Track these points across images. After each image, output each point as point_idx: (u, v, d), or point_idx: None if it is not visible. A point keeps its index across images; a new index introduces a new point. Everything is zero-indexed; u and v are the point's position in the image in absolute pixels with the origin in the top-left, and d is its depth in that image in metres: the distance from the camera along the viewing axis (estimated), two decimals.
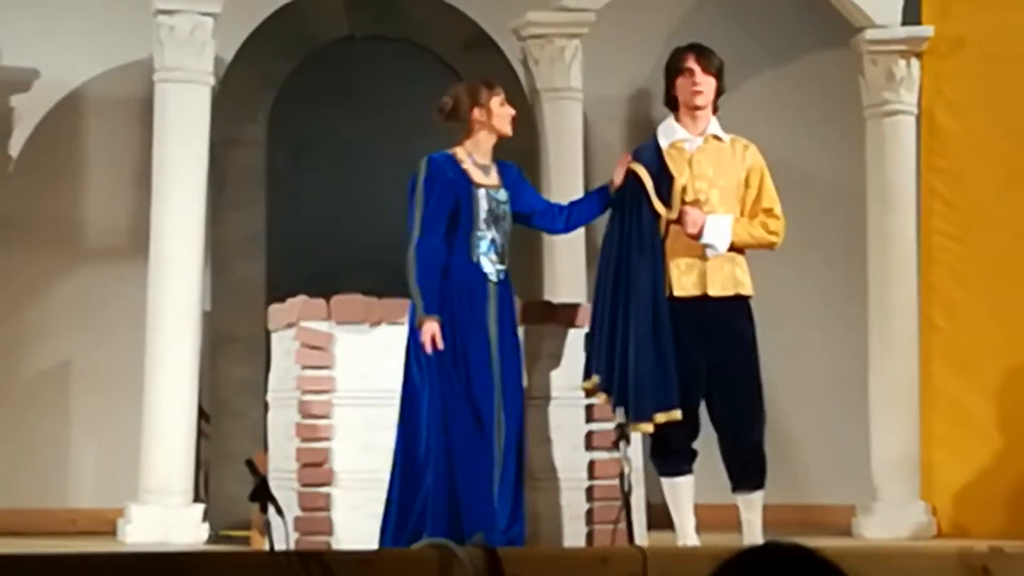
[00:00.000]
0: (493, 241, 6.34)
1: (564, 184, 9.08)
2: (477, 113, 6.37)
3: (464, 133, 6.42)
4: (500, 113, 6.39)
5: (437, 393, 6.16)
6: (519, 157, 9.06)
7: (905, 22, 8.82)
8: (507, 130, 6.42)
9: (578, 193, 9.07)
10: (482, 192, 6.35)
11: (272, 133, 8.85)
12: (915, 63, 8.77)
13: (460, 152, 6.41)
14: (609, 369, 6.41)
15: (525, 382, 6.51)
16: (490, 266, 6.33)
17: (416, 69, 9.05)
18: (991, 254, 8.50)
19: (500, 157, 9.05)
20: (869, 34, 8.82)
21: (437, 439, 6.16)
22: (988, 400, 8.41)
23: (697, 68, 6.53)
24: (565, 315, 6.94)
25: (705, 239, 6.43)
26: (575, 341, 6.88)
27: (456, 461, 6.14)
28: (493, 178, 6.43)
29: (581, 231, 8.95)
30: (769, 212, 6.56)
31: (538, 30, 9.14)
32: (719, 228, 6.44)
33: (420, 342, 6.15)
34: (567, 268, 8.84)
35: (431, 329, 6.14)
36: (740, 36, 9.36)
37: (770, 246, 6.61)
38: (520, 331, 6.51)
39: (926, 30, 8.76)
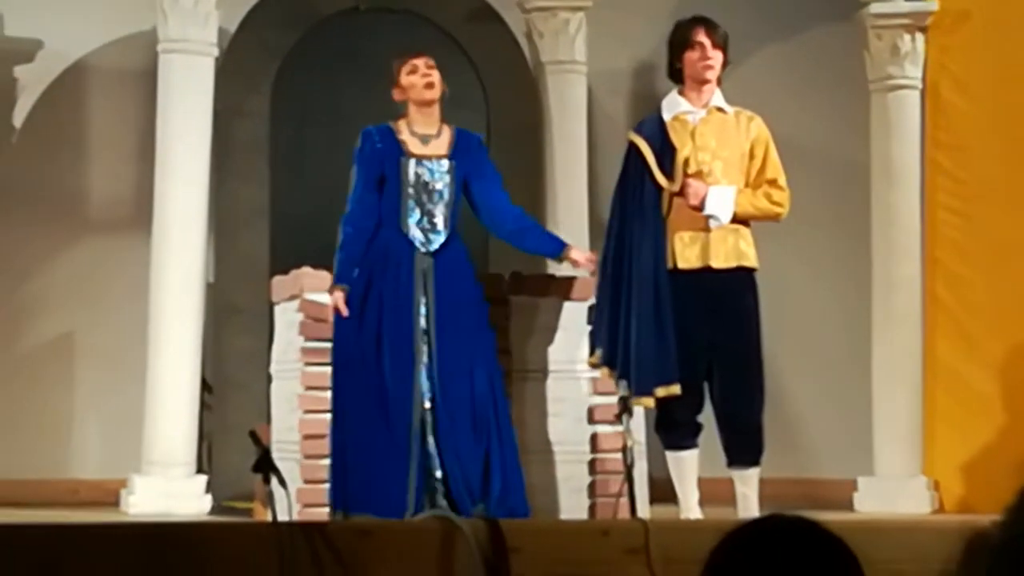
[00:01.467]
0: (427, 211, 6.34)
1: (568, 157, 9.06)
2: (396, 93, 6.45)
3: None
4: (409, 83, 6.42)
5: (355, 364, 6.19)
6: (523, 130, 9.07)
7: None
8: (422, 97, 6.42)
9: (582, 166, 9.07)
10: (412, 162, 6.36)
11: (276, 104, 8.83)
12: (920, 37, 8.74)
13: (400, 123, 6.45)
14: (612, 343, 6.41)
15: (512, 354, 6.54)
16: (421, 235, 6.34)
17: (420, 41, 8.99)
18: (996, 229, 8.48)
19: (506, 130, 9.08)
20: (874, 8, 8.79)
21: (342, 413, 6.19)
22: (991, 375, 8.40)
23: (707, 42, 6.52)
24: (560, 288, 6.93)
25: (708, 210, 6.42)
26: (576, 315, 6.87)
27: (354, 435, 6.18)
28: (437, 148, 6.43)
29: (584, 205, 8.94)
30: (773, 183, 6.56)
31: (542, 3, 9.11)
32: (722, 199, 6.43)
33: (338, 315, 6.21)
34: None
35: (336, 299, 6.25)
36: (744, 10, 9.33)
37: (775, 217, 6.60)
38: (495, 303, 6.50)
39: (931, 4, 8.72)
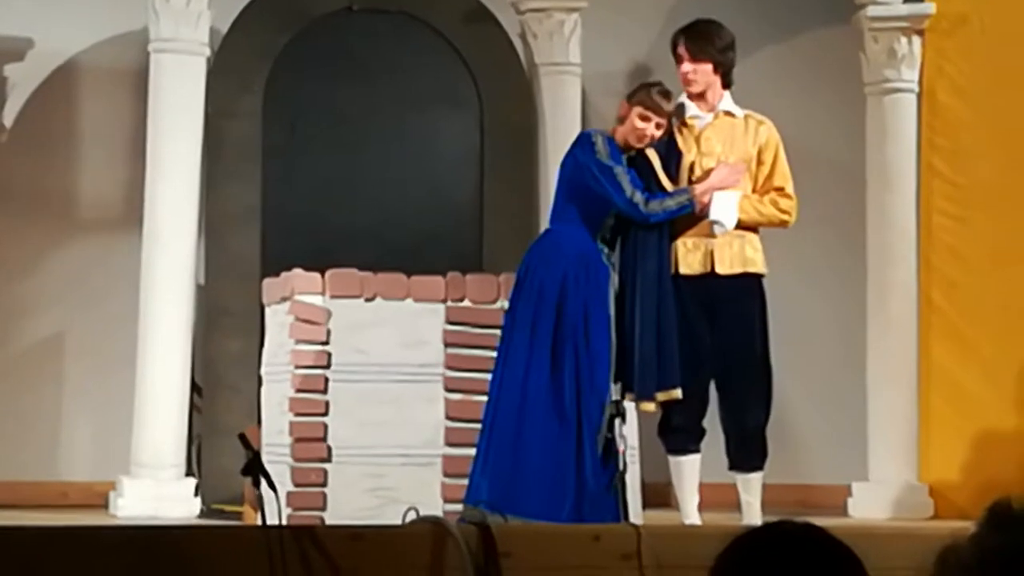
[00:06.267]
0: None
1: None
2: (623, 109, 6.38)
3: (617, 122, 6.44)
4: (640, 131, 6.34)
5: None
6: (517, 132, 9.03)
7: None
8: (633, 143, 6.37)
9: None
10: None
11: (268, 105, 8.78)
12: (916, 40, 8.71)
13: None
14: (618, 347, 6.40)
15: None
16: (606, 249, 6.37)
17: (414, 42, 8.98)
18: (991, 233, 8.46)
19: (500, 131, 9.04)
20: (871, 11, 8.76)
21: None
22: (987, 380, 8.37)
23: (685, 56, 6.47)
24: None
25: (712, 215, 6.35)
26: None
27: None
28: None
29: None
30: (780, 191, 6.50)
31: (537, 4, 9.07)
32: (726, 205, 6.36)
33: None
34: None
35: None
36: (740, 12, 9.27)
37: (781, 224, 6.54)
38: None
39: (928, 7, 8.70)
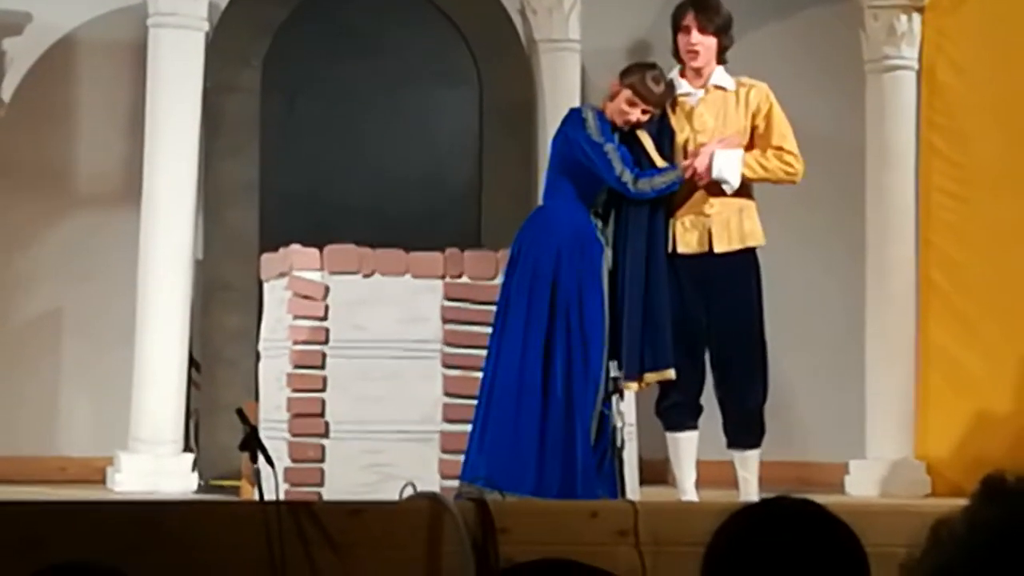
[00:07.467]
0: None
1: None
2: (614, 87, 6.37)
3: (607, 99, 6.44)
4: (627, 115, 6.33)
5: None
6: (516, 108, 9.02)
7: None
8: (617, 123, 6.36)
9: None
10: None
11: (267, 80, 8.77)
12: (916, 18, 8.70)
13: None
14: (611, 324, 6.39)
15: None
16: (600, 224, 6.36)
17: (413, 18, 8.96)
18: (991, 212, 8.44)
19: (499, 108, 9.04)
20: None
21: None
22: (985, 359, 8.36)
23: (694, 27, 6.44)
24: None
25: (715, 174, 6.32)
26: None
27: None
28: None
29: None
30: (780, 149, 6.45)
31: None
32: (729, 161, 6.33)
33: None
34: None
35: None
36: None
37: (789, 180, 6.49)
38: None
39: None
